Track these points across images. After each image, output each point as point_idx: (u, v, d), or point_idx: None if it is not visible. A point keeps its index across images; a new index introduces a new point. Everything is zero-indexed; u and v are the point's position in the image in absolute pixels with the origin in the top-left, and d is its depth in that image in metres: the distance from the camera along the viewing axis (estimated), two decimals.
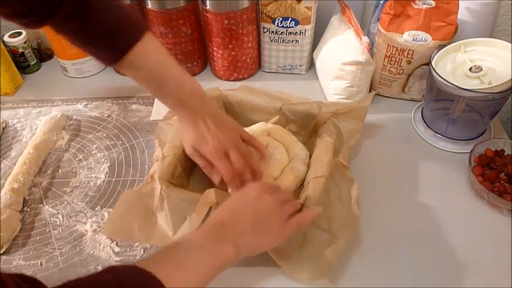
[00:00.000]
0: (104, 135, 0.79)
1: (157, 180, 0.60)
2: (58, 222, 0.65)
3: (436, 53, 0.71)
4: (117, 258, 0.59)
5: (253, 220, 0.50)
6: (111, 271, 0.39)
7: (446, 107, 0.73)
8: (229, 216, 0.50)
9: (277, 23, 0.83)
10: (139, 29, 0.57)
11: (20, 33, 0.93)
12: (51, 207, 0.67)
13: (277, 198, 0.54)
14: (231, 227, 0.49)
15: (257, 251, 0.52)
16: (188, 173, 0.68)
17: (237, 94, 0.74)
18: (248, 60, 0.89)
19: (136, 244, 0.61)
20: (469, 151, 0.67)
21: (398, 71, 0.79)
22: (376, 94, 0.84)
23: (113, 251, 0.60)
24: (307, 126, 0.71)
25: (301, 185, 0.65)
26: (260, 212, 0.51)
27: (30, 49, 0.94)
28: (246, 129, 0.68)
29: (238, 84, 0.90)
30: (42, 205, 0.67)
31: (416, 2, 0.74)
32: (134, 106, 0.86)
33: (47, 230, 0.64)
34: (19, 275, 0.34)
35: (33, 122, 0.83)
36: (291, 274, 0.55)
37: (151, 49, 0.57)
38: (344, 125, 0.69)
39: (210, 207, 0.56)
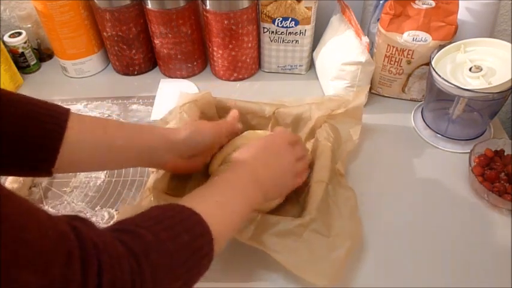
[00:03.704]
0: None
1: (151, 191, 0.57)
2: None
3: (436, 53, 0.71)
4: None
5: (276, 169, 0.54)
6: (157, 208, 0.41)
7: (446, 107, 0.73)
8: (263, 160, 0.53)
9: (277, 23, 0.83)
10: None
11: (20, 33, 0.92)
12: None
13: (296, 154, 0.57)
14: (259, 171, 0.52)
15: (270, 199, 0.55)
16: (184, 183, 0.66)
17: (229, 100, 0.72)
18: (248, 60, 0.89)
19: None
20: (469, 151, 0.67)
21: (398, 71, 0.79)
22: (376, 94, 0.84)
23: None
24: (302, 129, 0.71)
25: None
26: (282, 164, 0.55)
27: (30, 49, 0.94)
28: (248, 135, 0.67)
29: (238, 84, 0.90)
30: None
31: (416, 2, 0.73)
32: (134, 106, 0.86)
33: None
34: (68, 215, 0.34)
35: None
36: (297, 272, 0.52)
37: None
38: (342, 126, 0.69)
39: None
